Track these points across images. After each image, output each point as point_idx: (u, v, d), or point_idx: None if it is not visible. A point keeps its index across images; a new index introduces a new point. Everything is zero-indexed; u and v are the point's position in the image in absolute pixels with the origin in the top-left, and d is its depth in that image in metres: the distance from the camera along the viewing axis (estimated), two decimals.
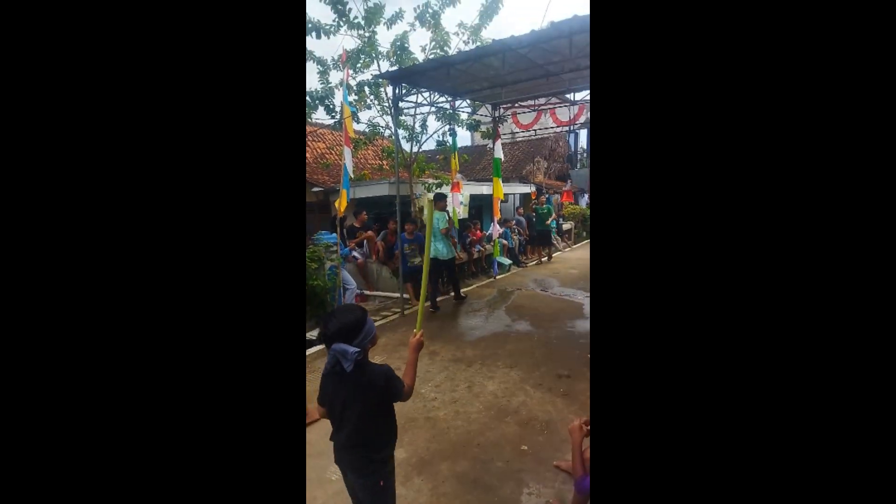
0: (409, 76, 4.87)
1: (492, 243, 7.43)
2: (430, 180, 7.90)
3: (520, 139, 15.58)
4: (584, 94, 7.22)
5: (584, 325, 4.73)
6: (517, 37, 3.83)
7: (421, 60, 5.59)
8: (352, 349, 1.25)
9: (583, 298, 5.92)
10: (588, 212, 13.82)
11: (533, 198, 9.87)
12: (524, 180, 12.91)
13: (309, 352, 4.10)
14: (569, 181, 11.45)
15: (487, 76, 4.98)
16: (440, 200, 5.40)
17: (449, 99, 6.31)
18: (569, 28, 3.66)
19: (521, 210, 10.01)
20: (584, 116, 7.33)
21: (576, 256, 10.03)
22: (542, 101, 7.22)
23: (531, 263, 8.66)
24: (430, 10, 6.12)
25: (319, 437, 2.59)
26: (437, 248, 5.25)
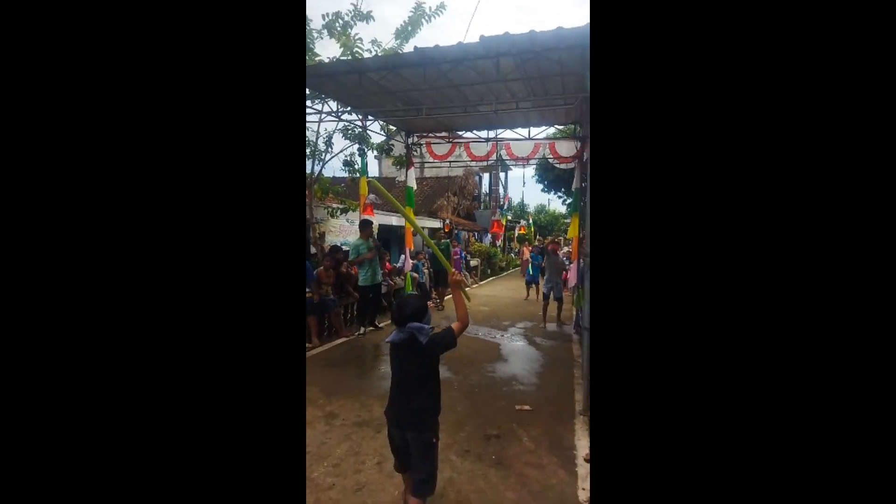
0: (315, 78, 4.17)
1: (402, 276, 6.79)
2: (335, 205, 7.06)
3: (428, 175, 15.64)
4: (500, 131, 7.32)
5: (504, 369, 4.29)
6: (441, 48, 3.47)
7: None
8: (426, 326, 1.61)
9: (499, 338, 5.55)
10: (492, 250, 14.16)
11: (446, 230, 9.56)
12: (433, 215, 12.73)
13: None
14: (498, 211, 11.23)
15: (403, 93, 4.54)
16: (365, 228, 5.48)
17: (358, 116, 5.73)
18: (497, 46, 3.42)
19: None
20: (496, 155, 7.38)
21: (484, 293, 9.88)
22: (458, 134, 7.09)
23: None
24: (341, 21, 5.61)
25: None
26: (364, 274, 5.37)
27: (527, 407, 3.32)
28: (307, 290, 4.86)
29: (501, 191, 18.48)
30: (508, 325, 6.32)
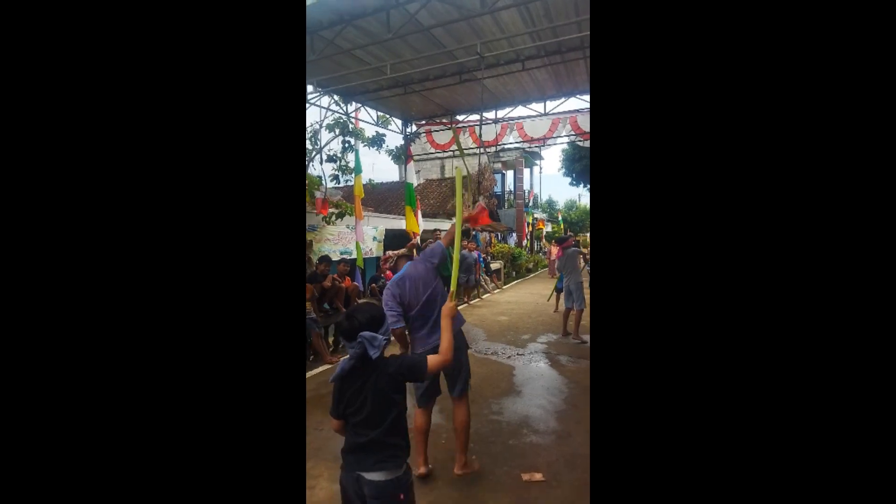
0: None
1: None
2: (330, 209, 6.26)
3: (448, 176, 14.70)
4: (507, 111, 6.27)
5: (515, 408, 3.23)
6: None
7: None
8: (380, 335, 1.32)
9: (515, 358, 4.48)
10: (517, 251, 13.01)
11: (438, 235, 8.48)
12: (451, 217, 11.78)
13: None
14: (481, 198, 9.71)
15: (372, 51, 3.62)
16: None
17: (337, 99, 4.89)
18: None
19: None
20: (507, 136, 6.34)
21: (506, 299, 8.76)
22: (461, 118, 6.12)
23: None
24: None
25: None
26: None
27: (538, 476, 2.27)
28: None
29: (526, 187, 17.29)
30: (528, 340, 5.22)
